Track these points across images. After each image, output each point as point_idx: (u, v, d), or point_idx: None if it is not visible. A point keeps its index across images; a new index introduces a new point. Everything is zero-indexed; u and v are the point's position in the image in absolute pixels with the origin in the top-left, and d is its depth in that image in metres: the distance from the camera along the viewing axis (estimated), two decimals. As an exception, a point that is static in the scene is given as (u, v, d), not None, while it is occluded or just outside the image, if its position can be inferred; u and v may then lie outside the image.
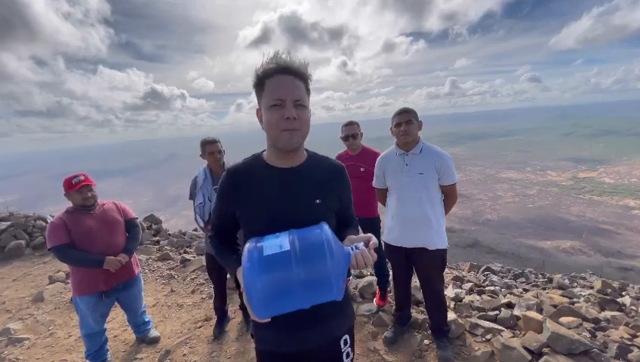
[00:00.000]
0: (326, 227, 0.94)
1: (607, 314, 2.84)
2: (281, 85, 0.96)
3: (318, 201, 1.07)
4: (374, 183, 2.45)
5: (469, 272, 5.64)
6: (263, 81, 0.99)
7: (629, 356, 2.10)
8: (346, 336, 1.18)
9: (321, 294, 0.86)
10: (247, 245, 0.92)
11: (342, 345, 1.17)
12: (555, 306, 2.78)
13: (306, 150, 1.15)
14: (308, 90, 1.04)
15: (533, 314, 2.55)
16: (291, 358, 1.13)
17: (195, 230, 6.82)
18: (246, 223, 1.09)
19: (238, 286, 0.91)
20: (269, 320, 0.91)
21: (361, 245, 0.91)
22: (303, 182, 1.08)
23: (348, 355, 1.19)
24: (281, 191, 1.06)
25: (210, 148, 2.51)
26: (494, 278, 4.86)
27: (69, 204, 2.31)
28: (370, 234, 0.98)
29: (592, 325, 2.55)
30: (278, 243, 0.88)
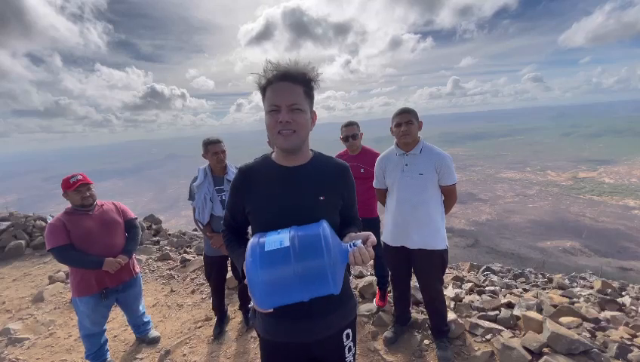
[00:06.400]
0: (325, 224, 0.98)
1: (607, 314, 2.84)
2: (277, 92, 1.03)
3: (321, 198, 1.12)
4: (374, 184, 2.45)
5: (469, 272, 5.63)
6: (265, 88, 1.07)
7: (629, 356, 2.10)
8: (348, 330, 1.21)
9: (319, 288, 0.91)
10: (251, 240, 0.98)
11: (344, 339, 1.20)
12: (555, 306, 2.78)
13: (312, 150, 1.21)
14: (309, 93, 1.09)
15: (533, 314, 2.55)
16: (294, 349, 1.16)
17: (195, 230, 6.82)
18: (254, 218, 1.15)
19: (244, 277, 0.96)
20: (272, 310, 0.96)
21: (359, 242, 0.94)
22: (308, 179, 1.13)
23: (350, 349, 1.21)
24: (287, 188, 1.11)
25: (213, 148, 2.49)
26: (494, 278, 4.86)
27: (69, 205, 2.31)
28: (369, 233, 1.00)
29: (592, 325, 2.54)
30: (279, 239, 0.93)
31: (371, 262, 1.01)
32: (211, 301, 2.96)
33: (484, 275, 5.29)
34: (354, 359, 1.24)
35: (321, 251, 0.88)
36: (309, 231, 0.95)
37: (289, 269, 0.88)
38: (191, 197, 2.59)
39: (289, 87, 1.03)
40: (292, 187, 1.11)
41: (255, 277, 0.88)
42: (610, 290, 3.98)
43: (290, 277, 0.88)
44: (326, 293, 0.91)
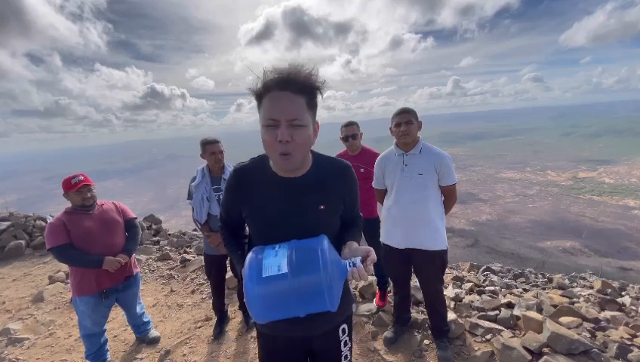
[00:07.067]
0: (325, 242, 0.98)
1: (607, 314, 2.84)
2: (276, 104, 0.91)
3: (322, 207, 1.08)
4: (374, 184, 2.45)
5: (469, 272, 5.63)
6: (261, 96, 0.95)
7: (629, 356, 2.10)
8: (344, 326, 1.23)
9: (315, 305, 0.92)
10: (249, 256, 0.97)
11: (340, 334, 1.21)
12: (555, 306, 2.78)
13: (312, 151, 1.13)
14: (311, 104, 0.97)
15: (533, 314, 2.55)
16: (292, 342, 1.18)
17: (195, 230, 6.82)
18: (251, 225, 1.13)
19: (242, 278, 0.96)
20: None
21: (358, 261, 0.95)
22: (308, 191, 1.08)
23: (346, 344, 1.23)
24: (286, 200, 1.07)
25: (211, 148, 2.50)
26: (494, 278, 4.86)
27: (69, 205, 2.31)
28: (369, 248, 1.00)
29: (592, 325, 2.54)
30: (277, 263, 0.92)
31: None
32: (211, 301, 2.96)
33: (484, 275, 5.29)
34: (350, 353, 1.26)
35: (318, 270, 0.90)
36: (308, 250, 0.95)
37: (286, 292, 0.90)
38: (190, 196, 2.60)
39: (290, 99, 0.91)
40: (291, 200, 1.07)
41: (252, 296, 0.91)
42: (610, 290, 3.98)
43: (287, 298, 0.90)
44: (322, 310, 0.92)
